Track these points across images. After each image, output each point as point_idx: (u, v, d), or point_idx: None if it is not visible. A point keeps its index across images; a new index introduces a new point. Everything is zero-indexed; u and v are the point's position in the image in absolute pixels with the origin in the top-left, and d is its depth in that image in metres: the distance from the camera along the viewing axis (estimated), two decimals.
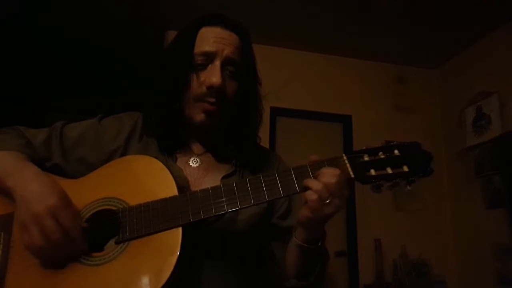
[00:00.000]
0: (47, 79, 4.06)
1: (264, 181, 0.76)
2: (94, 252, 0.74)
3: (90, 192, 0.80)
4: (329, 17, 2.91)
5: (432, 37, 3.10)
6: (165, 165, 0.81)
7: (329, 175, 0.73)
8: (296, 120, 3.26)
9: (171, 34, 2.95)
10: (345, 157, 0.77)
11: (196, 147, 0.93)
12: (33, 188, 0.73)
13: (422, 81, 3.56)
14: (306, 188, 0.74)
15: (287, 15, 2.90)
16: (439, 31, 3.01)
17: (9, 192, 0.75)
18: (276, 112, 3.13)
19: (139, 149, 0.90)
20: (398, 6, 2.72)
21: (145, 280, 0.69)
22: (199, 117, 0.86)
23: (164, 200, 0.75)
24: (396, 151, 0.77)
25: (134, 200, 0.77)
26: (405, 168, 0.76)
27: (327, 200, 0.72)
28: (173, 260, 0.69)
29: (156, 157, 0.83)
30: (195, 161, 0.91)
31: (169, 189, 0.77)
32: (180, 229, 0.73)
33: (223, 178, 0.89)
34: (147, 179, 0.80)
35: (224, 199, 0.75)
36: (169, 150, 0.90)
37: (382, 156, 0.77)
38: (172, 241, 0.71)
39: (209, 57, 0.85)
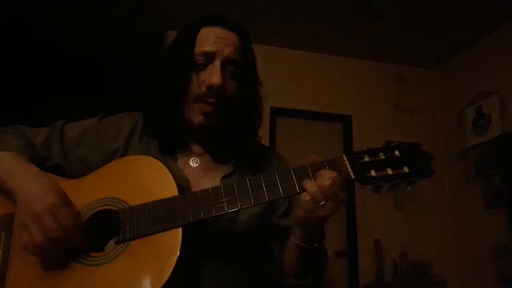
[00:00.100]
0: (47, 79, 4.06)
1: (264, 181, 0.76)
2: (95, 252, 0.74)
3: (90, 192, 0.80)
4: (329, 17, 2.91)
5: (432, 37, 3.10)
6: (165, 165, 0.81)
7: (325, 177, 0.72)
8: (296, 120, 3.25)
9: (171, 34, 2.95)
10: (345, 158, 0.77)
11: (196, 147, 0.93)
12: (33, 188, 0.73)
13: (422, 81, 3.56)
14: None
15: (287, 15, 2.90)
16: (439, 31, 3.01)
17: (10, 193, 0.76)
18: (276, 112, 3.13)
19: (140, 149, 0.90)
20: (398, 6, 2.72)
21: (145, 280, 0.69)
22: (198, 119, 0.86)
23: (165, 201, 0.75)
24: (396, 152, 0.77)
25: (134, 200, 0.77)
26: (406, 169, 0.76)
27: (321, 202, 0.72)
28: (173, 260, 0.69)
29: (156, 157, 0.83)
30: (195, 161, 0.91)
31: (170, 189, 0.77)
32: (180, 229, 0.73)
33: (223, 178, 0.89)
34: (147, 179, 0.80)
35: (224, 199, 0.75)
36: (170, 150, 0.90)
37: (383, 157, 0.77)
38: (172, 241, 0.72)
39: (209, 57, 0.86)
